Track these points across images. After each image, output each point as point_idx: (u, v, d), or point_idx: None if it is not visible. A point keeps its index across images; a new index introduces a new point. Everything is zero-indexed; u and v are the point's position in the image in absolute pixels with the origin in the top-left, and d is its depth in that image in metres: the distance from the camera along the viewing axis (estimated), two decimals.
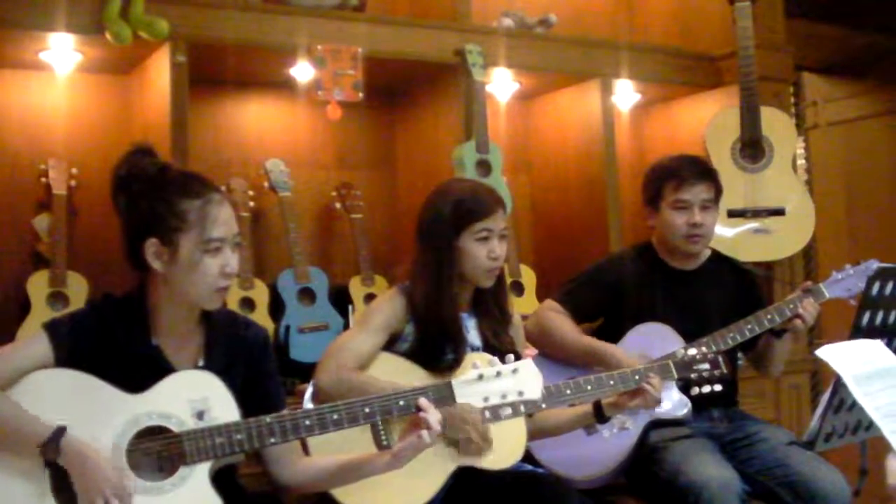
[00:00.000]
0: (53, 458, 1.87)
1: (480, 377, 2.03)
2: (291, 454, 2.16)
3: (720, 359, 2.56)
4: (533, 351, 2.87)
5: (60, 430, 1.88)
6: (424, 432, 1.99)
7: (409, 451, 2.04)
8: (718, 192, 2.98)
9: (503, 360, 2.06)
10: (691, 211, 2.90)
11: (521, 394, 2.02)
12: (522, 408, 2.08)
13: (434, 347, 2.44)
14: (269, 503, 2.20)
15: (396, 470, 2.07)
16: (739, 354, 3.04)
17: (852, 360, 1.88)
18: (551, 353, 2.88)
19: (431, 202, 2.53)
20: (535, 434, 2.57)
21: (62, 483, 1.89)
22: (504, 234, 2.49)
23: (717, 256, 3.08)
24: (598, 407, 2.49)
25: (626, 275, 2.97)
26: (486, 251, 2.45)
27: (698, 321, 2.85)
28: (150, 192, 2.01)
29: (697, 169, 2.96)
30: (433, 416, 2.00)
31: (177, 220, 1.98)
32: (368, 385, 2.27)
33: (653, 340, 2.81)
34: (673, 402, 2.77)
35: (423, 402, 2.02)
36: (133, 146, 2.11)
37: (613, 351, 2.77)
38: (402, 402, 2.04)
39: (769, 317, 2.82)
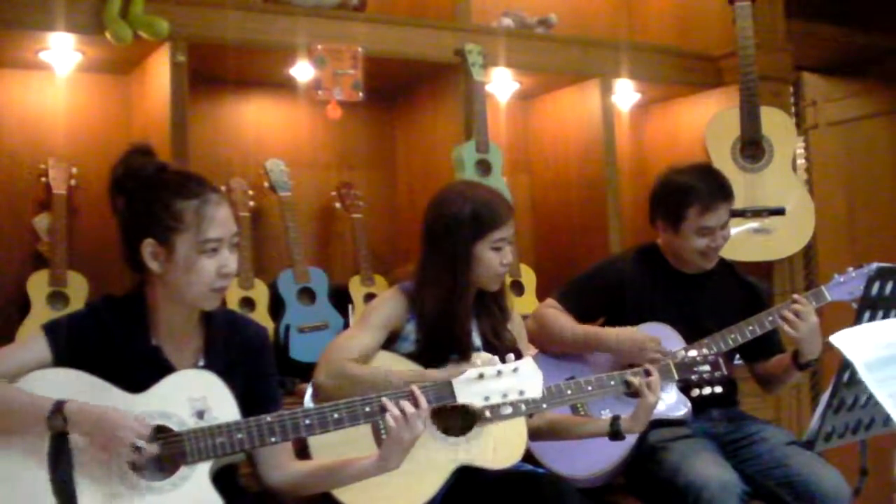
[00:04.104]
0: (62, 426, 1.87)
1: (481, 376, 2.03)
2: (282, 456, 2.15)
3: (720, 360, 2.56)
4: (534, 350, 2.87)
5: (61, 401, 1.88)
6: (393, 428, 2.00)
7: (393, 451, 2.03)
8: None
9: (503, 359, 2.06)
10: (714, 235, 2.87)
11: (521, 392, 2.03)
12: (523, 406, 2.08)
13: (440, 351, 2.44)
14: (269, 503, 2.20)
15: (395, 469, 2.07)
16: (737, 357, 3.03)
17: (866, 345, 1.84)
18: (551, 348, 2.89)
19: (443, 207, 2.49)
20: (546, 436, 2.60)
21: (60, 455, 1.89)
22: (513, 239, 2.50)
23: (723, 264, 3.06)
24: (614, 426, 2.48)
25: (628, 276, 2.96)
26: (499, 259, 2.45)
27: (698, 324, 2.85)
28: (147, 192, 2.01)
29: (720, 189, 2.88)
30: (392, 412, 2.01)
31: (173, 221, 1.98)
32: (372, 376, 2.27)
33: None
34: (672, 403, 2.77)
35: (384, 399, 2.02)
36: (131, 146, 2.11)
37: (612, 331, 2.78)
38: (400, 402, 2.04)
39: (770, 318, 2.81)
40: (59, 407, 1.87)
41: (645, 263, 3.00)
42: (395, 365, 2.42)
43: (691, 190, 2.87)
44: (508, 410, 2.05)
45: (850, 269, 2.85)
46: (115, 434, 1.86)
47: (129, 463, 1.90)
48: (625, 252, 3.21)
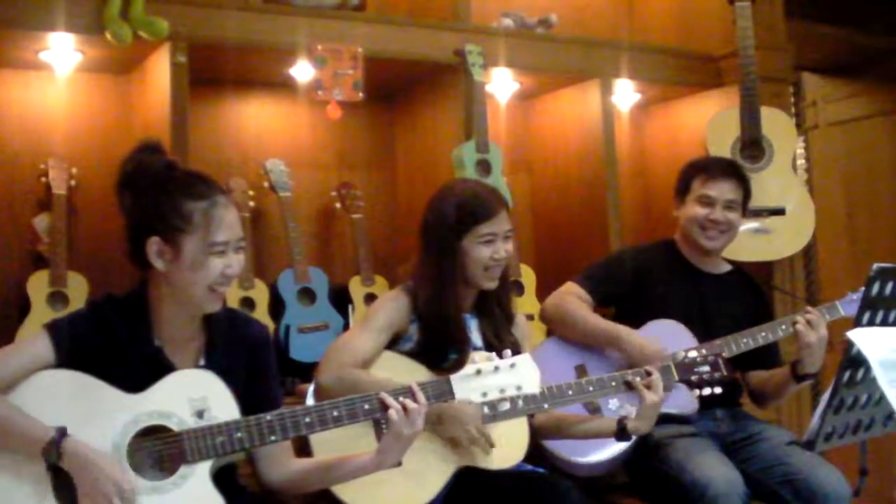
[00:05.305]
0: (55, 461, 1.87)
1: (478, 372, 2.03)
2: (282, 453, 2.15)
3: (720, 361, 2.56)
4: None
5: (61, 434, 1.87)
6: (395, 422, 2.00)
7: (392, 446, 2.03)
8: (746, 195, 3.03)
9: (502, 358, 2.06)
10: (714, 207, 2.96)
11: (519, 388, 2.02)
12: (521, 403, 2.08)
13: (437, 347, 2.45)
14: (270, 502, 2.20)
15: (397, 469, 2.07)
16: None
17: (882, 346, 1.86)
18: (567, 336, 2.90)
19: (434, 204, 2.53)
20: (552, 434, 2.60)
21: (63, 484, 1.89)
22: (509, 234, 2.50)
23: (738, 270, 3.14)
24: (621, 426, 2.48)
25: (648, 265, 3.02)
26: (489, 253, 2.45)
27: (710, 322, 2.88)
28: (156, 189, 2.01)
29: (727, 167, 3.05)
30: (394, 406, 2.00)
31: (181, 221, 1.98)
32: (368, 384, 2.27)
33: (666, 337, 2.81)
34: (680, 399, 2.76)
35: (383, 395, 2.02)
36: (141, 142, 2.10)
37: (629, 334, 2.79)
38: (400, 398, 2.04)
39: (783, 326, 2.83)
40: (57, 441, 1.86)
41: (665, 257, 3.06)
42: (398, 364, 2.43)
43: (701, 163, 3.09)
44: (506, 406, 2.05)
45: (864, 288, 2.84)
46: (97, 485, 1.85)
47: (129, 463, 1.90)
48: (645, 243, 3.26)
